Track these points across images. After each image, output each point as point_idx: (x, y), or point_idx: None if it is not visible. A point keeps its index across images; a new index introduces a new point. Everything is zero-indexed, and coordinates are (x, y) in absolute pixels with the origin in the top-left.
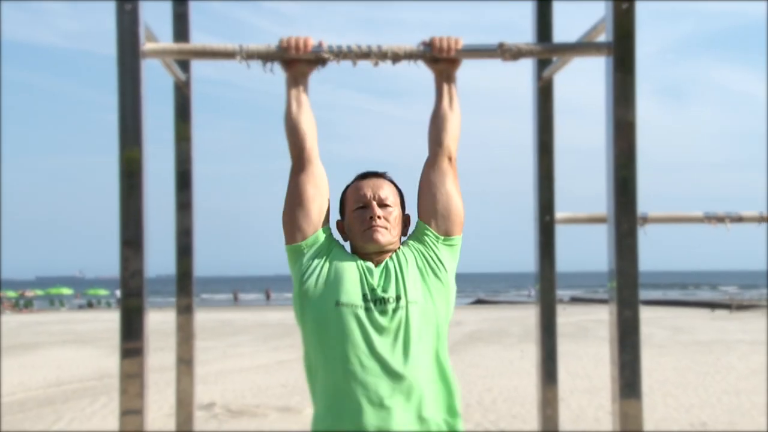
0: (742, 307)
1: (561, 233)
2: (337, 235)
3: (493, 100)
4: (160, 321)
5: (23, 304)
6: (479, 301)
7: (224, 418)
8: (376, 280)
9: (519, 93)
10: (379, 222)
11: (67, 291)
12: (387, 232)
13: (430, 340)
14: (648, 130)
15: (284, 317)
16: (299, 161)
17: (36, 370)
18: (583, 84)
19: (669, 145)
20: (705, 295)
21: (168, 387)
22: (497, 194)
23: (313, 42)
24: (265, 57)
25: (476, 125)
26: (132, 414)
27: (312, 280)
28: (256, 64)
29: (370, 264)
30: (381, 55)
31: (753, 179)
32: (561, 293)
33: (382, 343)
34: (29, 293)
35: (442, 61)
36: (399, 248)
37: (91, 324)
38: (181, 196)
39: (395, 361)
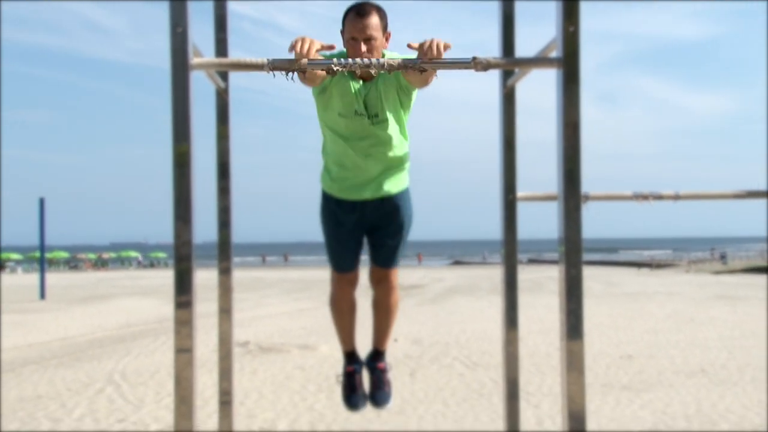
0: (660, 266)
1: (521, 209)
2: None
3: (467, 104)
4: (206, 278)
5: (100, 264)
6: (456, 262)
7: (256, 353)
8: (362, 101)
9: (488, 98)
10: (365, 54)
11: (134, 254)
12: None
13: (397, 130)
14: (589, 128)
15: (303, 275)
16: (313, 84)
17: (110, 315)
18: (539, 91)
19: (605, 139)
20: (632, 256)
21: (212, 329)
22: (471, 178)
23: (317, 46)
24: (287, 68)
25: (455, 124)
26: (184, 352)
27: (324, 99)
28: (280, 75)
29: (359, 86)
30: (379, 66)
31: (669, 166)
32: (521, 256)
33: (365, 140)
34: (105, 255)
35: (426, 70)
36: (383, 72)
37: (152, 280)
38: (221, 182)
39: (372, 151)
